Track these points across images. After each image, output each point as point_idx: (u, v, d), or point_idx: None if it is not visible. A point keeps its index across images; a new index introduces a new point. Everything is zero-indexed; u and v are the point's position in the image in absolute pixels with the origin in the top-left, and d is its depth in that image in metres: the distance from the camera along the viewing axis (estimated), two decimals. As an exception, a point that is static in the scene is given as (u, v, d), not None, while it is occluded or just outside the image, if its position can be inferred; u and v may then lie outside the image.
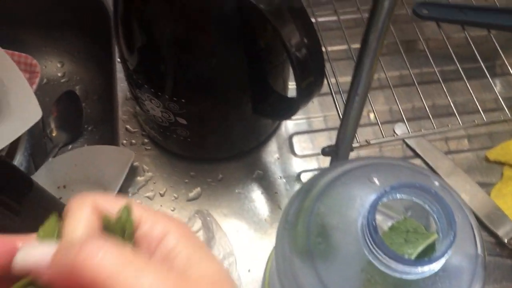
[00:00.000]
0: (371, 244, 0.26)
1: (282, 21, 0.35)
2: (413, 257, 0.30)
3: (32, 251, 0.19)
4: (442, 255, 0.26)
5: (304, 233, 0.29)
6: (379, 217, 0.32)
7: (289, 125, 0.54)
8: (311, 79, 0.38)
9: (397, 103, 0.51)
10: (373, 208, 0.26)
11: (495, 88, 0.51)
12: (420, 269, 0.26)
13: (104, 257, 0.18)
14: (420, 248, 0.31)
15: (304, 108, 0.55)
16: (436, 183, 0.30)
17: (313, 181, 0.31)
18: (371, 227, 0.26)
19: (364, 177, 0.30)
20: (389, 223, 0.31)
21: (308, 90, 0.38)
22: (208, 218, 0.39)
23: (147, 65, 0.42)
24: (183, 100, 0.42)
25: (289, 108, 0.41)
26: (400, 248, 0.31)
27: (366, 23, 0.34)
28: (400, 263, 0.26)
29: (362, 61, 0.36)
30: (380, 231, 0.30)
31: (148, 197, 0.49)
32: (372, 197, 0.27)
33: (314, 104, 0.55)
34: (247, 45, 0.40)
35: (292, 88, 0.54)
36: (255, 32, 0.40)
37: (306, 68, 0.37)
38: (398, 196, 0.28)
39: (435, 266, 0.26)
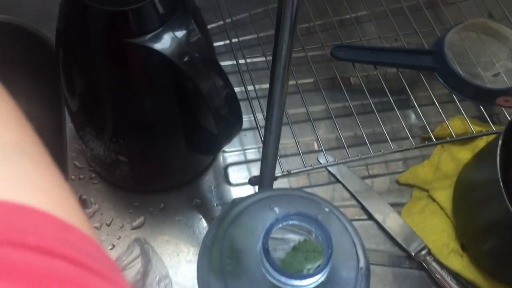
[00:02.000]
0: (266, 264, 0.32)
1: (197, 74, 0.41)
2: (311, 271, 0.36)
3: None
4: (322, 270, 0.32)
5: (218, 256, 0.35)
6: (294, 236, 0.38)
7: (226, 157, 0.60)
8: (230, 125, 0.44)
9: (316, 134, 0.57)
10: (267, 234, 0.32)
11: (402, 120, 0.59)
12: (305, 281, 0.32)
13: None
14: (317, 264, 0.37)
15: (240, 141, 0.62)
16: (326, 209, 0.36)
17: (226, 210, 0.37)
18: (265, 249, 0.32)
19: (266, 206, 0.36)
20: (291, 244, 0.38)
21: (228, 133, 0.44)
22: (145, 245, 0.45)
23: (87, 109, 0.47)
24: (121, 141, 0.47)
25: (214, 146, 0.47)
26: (301, 265, 0.37)
27: (271, 72, 0.41)
28: (288, 278, 0.32)
29: (271, 107, 0.42)
30: (286, 250, 0.37)
31: (96, 227, 0.54)
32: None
33: (247, 137, 0.61)
34: (175, 89, 0.46)
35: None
36: (180, 79, 0.46)
37: (224, 116, 0.43)
38: (291, 222, 0.34)
39: (318, 278, 0.32)
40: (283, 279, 0.32)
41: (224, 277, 0.34)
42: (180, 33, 0.41)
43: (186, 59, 0.40)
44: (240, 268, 0.34)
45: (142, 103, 0.45)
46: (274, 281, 0.32)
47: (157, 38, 0.40)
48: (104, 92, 0.45)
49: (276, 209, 0.35)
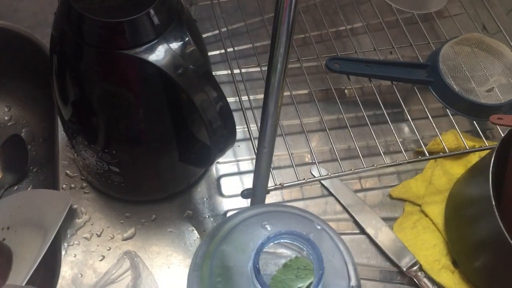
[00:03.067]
0: (257, 283, 0.32)
1: (190, 86, 0.41)
2: (302, 290, 0.36)
3: None
4: (313, 289, 0.31)
5: (208, 273, 0.35)
6: (286, 251, 0.38)
7: (219, 168, 0.60)
8: (223, 138, 0.44)
9: (309, 147, 0.57)
10: (258, 253, 0.32)
11: (395, 133, 0.58)
12: (296, 302, 0.32)
13: None
14: (308, 282, 0.37)
15: (233, 152, 0.61)
16: (318, 227, 0.36)
17: (217, 227, 0.37)
18: (256, 269, 0.31)
19: (258, 224, 0.36)
20: (283, 261, 0.37)
21: (222, 146, 0.44)
22: (136, 259, 0.44)
23: (79, 118, 0.47)
24: (113, 151, 0.47)
25: (207, 159, 0.47)
26: (292, 282, 0.37)
27: (265, 86, 0.40)
28: (279, 298, 0.31)
29: (265, 120, 0.42)
30: (278, 265, 0.36)
31: (85, 238, 0.53)
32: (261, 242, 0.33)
33: (241, 148, 0.61)
34: (168, 101, 0.45)
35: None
36: (174, 91, 0.45)
37: (218, 129, 0.42)
38: (282, 241, 0.33)
39: (309, 299, 0.32)
40: (273, 299, 0.31)
41: (214, 294, 0.34)
42: (175, 45, 0.40)
43: (180, 71, 0.40)
44: (231, 287, 0.34)
45: (135, 114, 0.45)
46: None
47: (152, 50, 0.40)
48: (96, 102, 0.44)
49: (268, 227, 0.35)
